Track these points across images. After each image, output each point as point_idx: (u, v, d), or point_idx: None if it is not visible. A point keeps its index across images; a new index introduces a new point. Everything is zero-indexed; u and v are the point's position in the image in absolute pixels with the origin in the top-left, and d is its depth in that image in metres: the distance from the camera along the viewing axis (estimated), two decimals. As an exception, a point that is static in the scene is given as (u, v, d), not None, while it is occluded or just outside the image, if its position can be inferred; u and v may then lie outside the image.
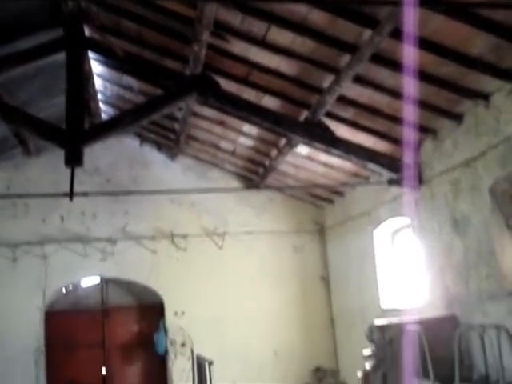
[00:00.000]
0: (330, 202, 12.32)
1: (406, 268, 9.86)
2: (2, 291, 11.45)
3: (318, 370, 12.16)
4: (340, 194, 11.65)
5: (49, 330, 11.75)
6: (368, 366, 7.20)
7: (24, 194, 10.59)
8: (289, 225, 12.79)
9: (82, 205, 11.46)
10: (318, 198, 12.55)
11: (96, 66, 9.49)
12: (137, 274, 11.99)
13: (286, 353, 12.14)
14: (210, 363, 7.47)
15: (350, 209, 11.33)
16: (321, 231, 12.86)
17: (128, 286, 12.29)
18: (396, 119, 7.70)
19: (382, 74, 6.85)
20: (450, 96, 6.89)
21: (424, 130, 7.86)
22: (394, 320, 7.44)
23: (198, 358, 8.59)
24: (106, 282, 12.29)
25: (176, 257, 12.15)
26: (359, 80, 7.02)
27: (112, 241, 11.94)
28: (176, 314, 11.93)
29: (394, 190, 8.91)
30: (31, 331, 11.47)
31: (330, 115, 8.11)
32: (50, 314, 11.85)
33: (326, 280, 12.68)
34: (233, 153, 11.55)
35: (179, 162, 12.62)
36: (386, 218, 9.78)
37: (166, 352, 11.81)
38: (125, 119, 7.60)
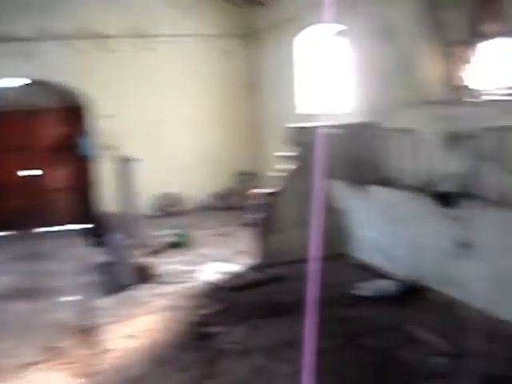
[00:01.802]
0: (261, 4, 11.88)
1: (330, 75, 9.92)
2: None
3: (241, 174, 12.60)
4: (271, -4, 11.25)
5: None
6: (288, 166, 7.50)
7: None
8: (217, 28, 12.41)
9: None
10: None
11: None
12: (63, 75, 11.57)
13: (212, 158, 12.48)
14: (134, 160, 7.59)
15: (279, 13, 11.03)
16: (249, 36, 12.55)
17: (55, 88, 11.90)
18: None
19: None
20: None
21: None
22: (313, 124, 7.64)
23: (123, 158, 8.70)
24: (31, 83, 11.86)
25: (103, 58, 11.73)
26: None
27: (36, 40, 11.33)
28: (104, 116, 11.80)
29: (326, -7, 8.65)
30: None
31: None
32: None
33: (251, 86, 12.66)
34: None
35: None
36: (314, 23, 9.61)
37: (93, 154, 11.88)
38: None
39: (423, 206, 5.77)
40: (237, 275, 7.38)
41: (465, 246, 5.38)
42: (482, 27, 6.45)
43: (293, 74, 10.78)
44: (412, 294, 6.11)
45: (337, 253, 7.41)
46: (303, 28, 10.14)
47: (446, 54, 6.81)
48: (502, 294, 5.14)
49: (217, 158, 12.48)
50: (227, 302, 6.48)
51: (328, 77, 9.84)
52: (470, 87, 6.65)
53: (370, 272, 6.92)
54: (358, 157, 6.88)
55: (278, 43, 11.22)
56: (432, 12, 6.73)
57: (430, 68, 6.82)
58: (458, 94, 6.63)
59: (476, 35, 6.53)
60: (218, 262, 7.99)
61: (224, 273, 7.47)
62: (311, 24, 9.76)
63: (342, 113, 8.59)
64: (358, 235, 7.42)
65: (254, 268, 7.52)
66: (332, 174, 6.80)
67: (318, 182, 6.96)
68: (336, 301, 6.06)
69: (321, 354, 3.97)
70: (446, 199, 5.46)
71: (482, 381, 4.24)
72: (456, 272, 5.66)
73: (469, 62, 6.69)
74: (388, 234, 6.70)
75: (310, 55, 10.38)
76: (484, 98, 6.31)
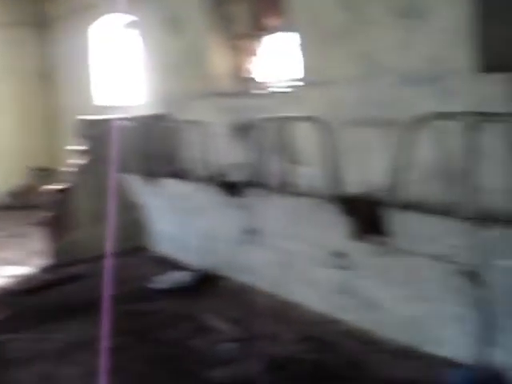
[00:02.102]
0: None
1: (124, 67, 9.77)
2: None
3: (37, 169, 11.96)
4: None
5: None
6: (79, 160, 7.26)
7: None
8: (8, 16, 11.59)
9: None
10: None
11: None
12: None
13: (4, 153, 11.63)
14: None
15: (74, 1, 10.61)
16: (43, 24, 11.91)
17: None
18: None
19: None
20: None
21: None
22: (106, 116, 7.47)
23: None
24: None
25: None
26: None
27: None
28: None
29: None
30: None
31: None
32: None
33: (46, 77, 12.03)
34: None
35: None
36: (108, 12, 9.39)
37: None
38: None
39: (213, 197, 5.88)
40: (30, 277, 6.99)
41: (252, 233, 5.58)
42: (265, 21, 6.71)
43: (88, 64, 10.45)
44: (206, 283, 6.21)
45: (136, 247, 7.34)
46: (98, 17, 9.86)
47: (233, 47, 6.99)
48: (287, 277, 5.41)
49: (9, 153, 11.64)
50: (18, 306, 6.10)
51: (122, 68, 9.68)
52: (256, 79, 6.90)
53: (168, 264, 6.91)
54: (152, 149, 6.84)
55: (73, 32, 10.77)
56: (218, 5, 6.86)
57: (218, 60, 6.96)
58: (244, 86, 6.83)
59: (259, 29, 6.78)
60: (10, 265, 7.51)
61: (15, 276, 7.04)
62: (106, 13, 9.52)
63: (136, 105, 8.50)
64: (155, 228, 7.39)
65: (48, 269, 7.17)
66: (126, 167, 6.74)
67: (112, 176, 6.83)
68: (132, 296, 5.97)
69: (113, 352, 3.88)
70: (233, 189, 5.60)
71: (268, 363, 4.42)
72: (246, 258, 5.85)
73: (255, 54, 6.93)
74: (182, 225, 6.75)
75: (105, 45, 10.13)
76: (269, 89, 6.56)
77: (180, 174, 6.56)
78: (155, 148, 6.83)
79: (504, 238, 3.51)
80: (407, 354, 4.36)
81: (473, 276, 3.75)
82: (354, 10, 4.99)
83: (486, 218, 3.61)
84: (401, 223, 4.09)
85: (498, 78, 4.11)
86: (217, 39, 6.94)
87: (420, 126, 3.92)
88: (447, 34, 4.37)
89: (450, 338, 4.12)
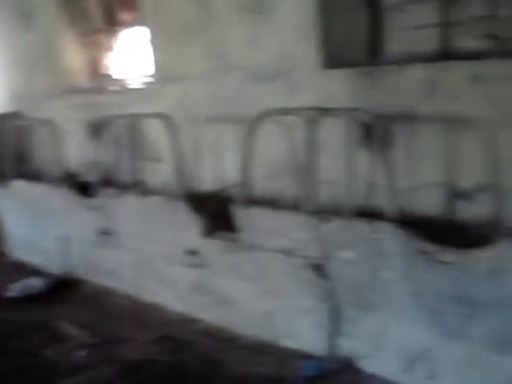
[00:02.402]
0: None
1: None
2: None
3: None
4: None
5: None
6: None
7: None
8: None
9: None
10: None
11: None
12: None
13: None
14: None
15: None
16: None
17: None
18: None
19: None
20: None
21: None
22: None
23: None
24: None
25: None
26: None
27: None
28: None
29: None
30: None
31: None
32: None
33: None
34: None
35: None
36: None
37: None
38: None
39: (67, 198, 5.64)
40: None
41: (107, 234, 5.40)
42: (119, 16, 6.52)
43: None
44: (62, 288, 5.94)
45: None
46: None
47: (88, 42, 6.75)
48: (144, 278, 5.29)
49: None
50: None
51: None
52: (113, 75, 6.70)
53: (25, 270, 6.56)
54: (2, 149, 6.48)
55: None
56: (71, -1, 6.61)
57: (72, 56, 6.70)
58: (100, 83, 6.62)
59: (114, 24, 6.58)
60: None
61: None
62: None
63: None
64: (11, 233, 7.00)
65: None
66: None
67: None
68: (-16, 306, 5.63)
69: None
70: (86, 189, 5.40)
71: (122, 367, 4.30)
72: (103, 261, 5.66)
73: (111, 50, 6.72)
74: (37, 229, 6.42)
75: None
76: (125, 86, 6.40)
77: (33, 175, 6.25)
78: (6, 148, 6.47)
79: (344, 231, 3.59)
80: (263, 350, 4.38)
81: (318, 269, 3.82)
82: (203, 5, 4.93)
83: (327, 212, 3.68)
84: (250, 219, 4.09)
85: (339, 73, 4.21)
86: (70, 34, 6.67)
87: (263, 122, 3.93)
88: (294, 29, 4.41)
89: (302, 330, 4.18)
